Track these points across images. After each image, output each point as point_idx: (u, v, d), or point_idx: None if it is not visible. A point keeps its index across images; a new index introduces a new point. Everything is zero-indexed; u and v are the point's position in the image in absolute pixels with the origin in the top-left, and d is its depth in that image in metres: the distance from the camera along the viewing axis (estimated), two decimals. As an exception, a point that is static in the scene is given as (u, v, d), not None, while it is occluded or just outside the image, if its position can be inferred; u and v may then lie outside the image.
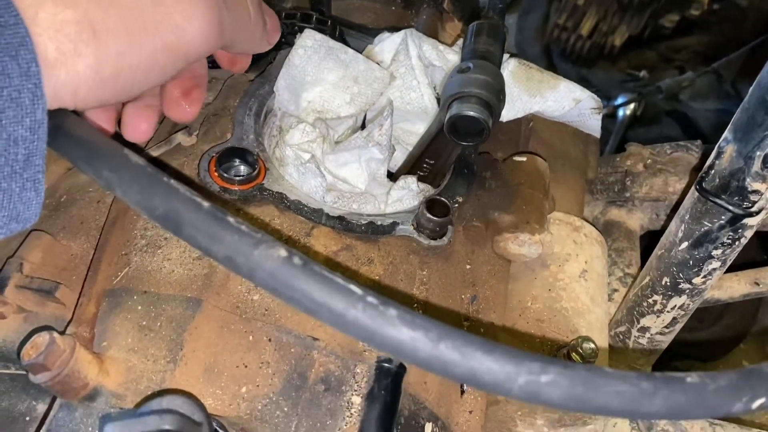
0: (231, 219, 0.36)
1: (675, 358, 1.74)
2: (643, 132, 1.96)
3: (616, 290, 1.04)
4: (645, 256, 0.93)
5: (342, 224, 0.68)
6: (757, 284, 1.01)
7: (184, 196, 0.36)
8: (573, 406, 0.33)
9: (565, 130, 0.94)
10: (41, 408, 0.62)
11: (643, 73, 2.06)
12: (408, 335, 0.34)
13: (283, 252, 0.35)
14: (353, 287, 0.35)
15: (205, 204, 0.36)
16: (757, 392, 0.33)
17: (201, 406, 0.49)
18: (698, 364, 1.78)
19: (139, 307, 0.60)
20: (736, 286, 1.02)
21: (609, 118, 1.97)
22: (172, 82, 0.57)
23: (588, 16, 2.05)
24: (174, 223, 0.36)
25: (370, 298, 0.34)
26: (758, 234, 1.01)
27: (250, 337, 0.60)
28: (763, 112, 0.61)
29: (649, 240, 1.11)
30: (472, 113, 0.66)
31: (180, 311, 0.60)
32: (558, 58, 2.15)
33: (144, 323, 0.59)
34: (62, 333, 0.58)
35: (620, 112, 1.96)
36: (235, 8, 0.54)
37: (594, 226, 0.88)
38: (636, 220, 1.11)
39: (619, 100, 1.97)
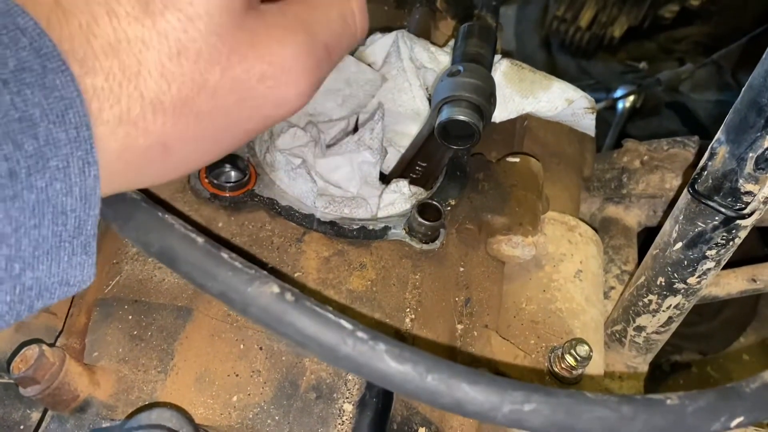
0: (225, 255, 0.37)
1: (674, 351, 1.74)
2: (642, 124, 1.96)
3: (613, 288, 1.04)
4: (642, 253, 0.93)
5: (334, 229, 0.68)
6: (755, 281, 1.00)
7: (179, 232, 0.37)
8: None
9: (561, 128, 0.94)
10: (35, 417, 0.62)
11: (642, 65, 2.05)
12: (396, 369, 0.36)
13: (275, 288, 0.36)
14: (343, 322, 0.36)
15: (200, 240, 0.37)
16: (736, 411, 0.34)
17: (190, 420, 0.49)
18: (698, 357, 1.78)
19: (130, 317, 0.60)
20: (734, 283, 1.02)
21: (608, 110, 1.96)
22: None
23: (587, 7, 2.04)
24: (169, 259, 0.37)
25: (360, 333, 0.36)
26: (758, 228, 1.01)
27: (241, 346, 0.60)
28: (755, 113, 0.61)
29: (647, 236, 1.11)
30: (462, 117, 0.66)
31: (171, 320, 0.60)
32: (557, 49, 2.14)
33: (135, 333, 0.59)
34: (52, 344, 0.58)
35: (620, 104, 1.95)
36: (337, 34, 0.45)
37: (590, 224, 0.88)
38: (633, 216, 1.10)
39: (619, 92, 1.96)
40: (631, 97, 1.96)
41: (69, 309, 0.63)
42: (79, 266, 0.36)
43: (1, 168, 0.30)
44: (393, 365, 0.36)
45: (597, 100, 0.92)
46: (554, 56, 2.15)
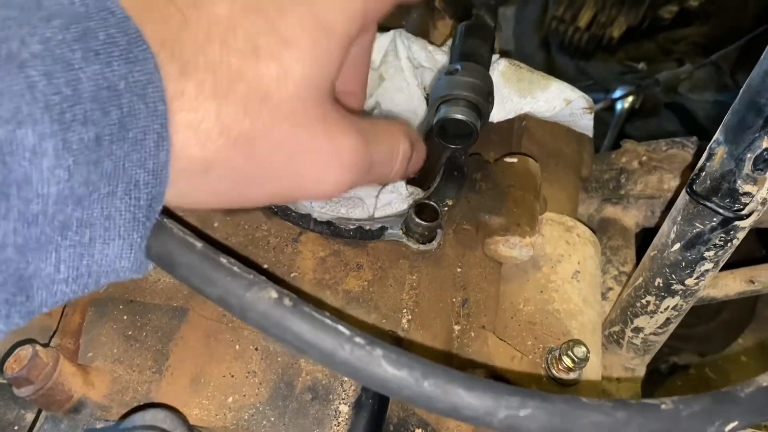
0: (224, 260, 0.37)
1: (672, 353, 1.74)
2: (641, 124, 1.95)
3: (611, 289, 1.03)
4: (640, 254, 0.93)
5: (330, 229, 0.68)
6: (753, 282, 1.00)
7: (178, 237, 0.37)
8: (552, 437, 0.34)
9: (559, 128, 0.94)
10: (30, 417, 0.62)
11: (641, 65, 2.04)
12: (393, 374, 0.36)
13: (273, 293, 0.37)
14: (341, 327, 0.37)
15: (198, 245, 0.37)
16: (730, 416, 0.34)
17: (184, 420, 0.49)
18: (696, 360, 1.78)
19: (125, 317, 0.60)
20: (731, 284, 1.02)
21: (607, 110, 1.96)
22: None
23: (586, 7, 2.04)
24: (168, 264, 0.37)
25: (358, 339, 0.36)
26: (756, 230, 1.01)
27: (237, 347, 0.59)
28: (754, 113, 0.60)
29: (645, 237, 1.10)
30: (460, 116, 0.66)
31: (166, 321, 0.60)
32: (556, 50, 2.14)
33: (130, 333, 0.59)
34: (46, 345, 0.57)
35: (618, 105, 1.95)
36: (381, 157, 0.48)
37: (588, 225, 0.88)
38: (631, 217, 1.10)
39: (618, 93, 1.96)
40: (630, 98, 1.95)
41: (63, 309, 0.62)
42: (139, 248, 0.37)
43: (90, 133, 0.32)
44: (390, 370, 0.36)
45: (595, 101, 0.92)
46: (553, 57, 2.15)
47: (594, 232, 0.88)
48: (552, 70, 2.14)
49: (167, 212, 0.45)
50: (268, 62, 0.38)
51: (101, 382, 0.56)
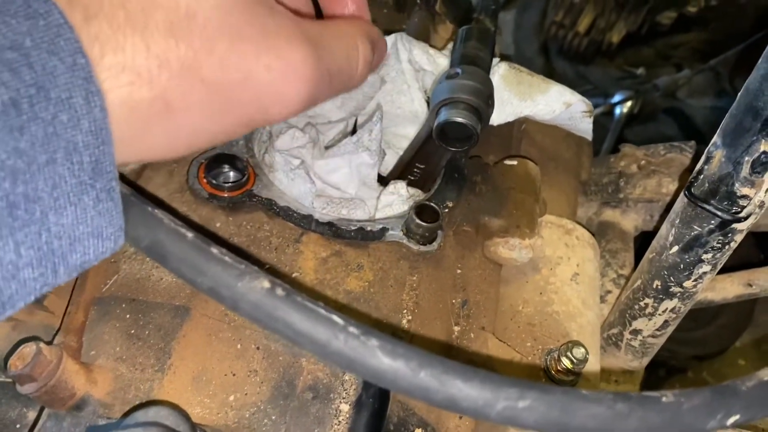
0: (215, 250, 0.36)
1: (670, 356, 1.75)
2: (640, 129, 1.96)
3: (609, 291, 1.04)
4: (639, 257, 0.93)
5: (331, 230, 0.68)
6: (750, 285, 1.01)
7: (169, 227, 0.36)
8: (550, 429, 0.34)
9: (558, 131, 0.94)
10: (32, 415, 0.62)
11: (640, 71, 2.05)
12: (389, 365, 0.35)
13: (266, 283, 0.36)
14: (335, 317, 0.35)
15: (189, 235, 0.36)
16: (731, 409, 0.34)
17: (187, 417, 0.49)
18: (694, 363, 1.79)
19: (128, 316, 0.60)
20: (729, 288, 1.02)
21: (606, 115, 1.97)
22: None
23: (585, 12, 2.05)
24: (159, 255, 0.36)
25: (352, 329, 0.35)
26: (754, 234, 1.02)
27: (239, 345, 0.60)
28: (751, 117, 0.61)
29: (643, 241, 1.11)
30: (460, 119, 0.66)
31: (168, 319, 0.60)
32: (555, 55, 2.15)
33: (132, 332, 0.59)
34: (50, 342, 0.58)
35: (617, 110, 1.96)
36: (338, 66, 0.46)
37: (587, 228, 0.88)
38: (630, 221, 1.11)
39: (617, 98, 1.97)
40: (629, 103, 1.96)
41: (66, 307, 0.63)
42: (107, 214, 0.34)
43: (3, 96, 0.29)
44: (385, 361, 0.35)
45: (594, 106, 0.92)
46: (552, 62, 2.16)
47: (593, 235, 0.88)
48: (551, 75, 2.14)
49: (166, 208, 0.44)
50: None
51: (104, 380, 0.57)
